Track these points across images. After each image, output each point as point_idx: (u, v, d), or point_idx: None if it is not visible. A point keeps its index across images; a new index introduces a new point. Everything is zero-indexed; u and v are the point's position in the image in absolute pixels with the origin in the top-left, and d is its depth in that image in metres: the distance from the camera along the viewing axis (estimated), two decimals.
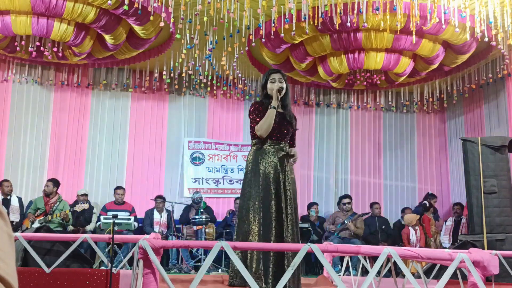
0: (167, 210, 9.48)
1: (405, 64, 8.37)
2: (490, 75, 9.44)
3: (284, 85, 4.16)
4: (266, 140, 4.09)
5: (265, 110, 4.11)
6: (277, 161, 4.05)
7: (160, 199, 9.46)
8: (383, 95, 11.44)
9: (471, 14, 7.05)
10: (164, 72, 9.75)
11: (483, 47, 8.76)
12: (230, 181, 10.88)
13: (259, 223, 3.91)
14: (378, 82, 9.47)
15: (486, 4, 6.98)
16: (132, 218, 8.89)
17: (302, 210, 10.00)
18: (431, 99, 10.96)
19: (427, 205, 10.11)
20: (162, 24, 6.95)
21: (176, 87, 10.39)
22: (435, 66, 8.70)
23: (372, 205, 10.35)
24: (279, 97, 4.11)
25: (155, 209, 9.50)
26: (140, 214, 9.72)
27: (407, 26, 7.16)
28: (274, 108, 4.06)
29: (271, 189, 3.96)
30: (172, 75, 9.62)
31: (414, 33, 7.04)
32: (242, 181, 4.21)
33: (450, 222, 9.75)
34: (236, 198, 10.00)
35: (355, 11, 6.90)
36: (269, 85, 4.16)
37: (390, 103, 11.35)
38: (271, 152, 4.07)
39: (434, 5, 6.63)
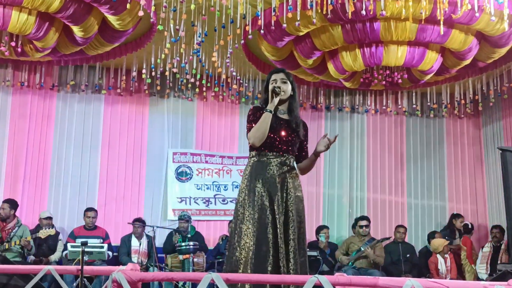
0: (147, 236, 9.45)
1: (432, 60, 8.38)
2: None
3: (288, 87, 4.20)
4: (266, 152, 4.11)
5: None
6: (277, 177, 4.06)
7: (139, 222, 9.42)
8: (406, 96, 11.45)
9: None
10: (144, 71, 9.75)
11: None
12: (223, 200, 10.87)
13: (252, 251, 3.91)
14: (400, 81, 9.48)
15: None
16: (105, 246, 8.85)
17: (309, 235, 9.98)
18: (463, 101, 10.97)
19: (469, 226, 10.12)
20: (141, 13, 6.96)
21: (159, 88, 10.40)
22: (467, 61, 8.71)
23: (396, 228, 10.33)
24: (276, 98, 4.14)
25: (133, 235, 9.47)
26: (115, 241, 9.68)
27: (434, 14, 7.18)
28: (270, 111, 4.08)
29: (267, 210, 3.97)
30: (153, 74, 9.61)
31: (442, 22, 7.06)
32: (236, 200, 4.20)
33: (487, 248, 9.74)
34: (230, 221, 9.96)
35: None
36: (270, 87, 4.22)
37: (414, 106, 11.37)
38: (272, 166, 4.08)
39: None
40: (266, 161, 4.09)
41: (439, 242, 9.56)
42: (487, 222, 11.42)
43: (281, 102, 4.22)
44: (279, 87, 4.15)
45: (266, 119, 4.06)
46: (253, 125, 4.11)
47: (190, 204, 10.68)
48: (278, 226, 3.94)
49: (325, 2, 6.90)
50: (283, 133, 4.14)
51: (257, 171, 4.07)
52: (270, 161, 4.09)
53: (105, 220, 10.04)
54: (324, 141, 4.16)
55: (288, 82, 4.24)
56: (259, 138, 4.05)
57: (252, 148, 4.17)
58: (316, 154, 4.20)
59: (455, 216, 10.84)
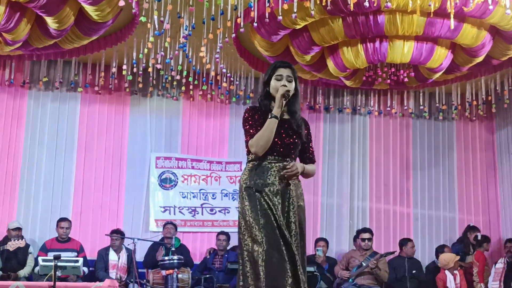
0: (127, 249, 9.41)
1: (441, 57, 8.39)
2: None
3: (292, 86, 4.15)
4: (266, 155, 4.06)
5: (264, 117, 4.08)
6: (279, 185, 4.03)
7: (117, 234, 9.39)
8: (413, 97, 11.47)
9: None
10: (125, 67, 9.72)
11: None
12: (211, 210, 10.85)
13: (263, 259, 3.87)
14: (406, 80, 9.48)
15: None
16: (81, 260, 8.79)
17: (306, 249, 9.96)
18: (475, 102, 10.99)
19: (479, 237, 10.10)
20: (121, 3, 6.93)
21: (141, 85, 10.37)
22: (480, 59, 8.73)
23: (404, 243, 10.29)
24: (284, 103, 4.07)
25: (111, 248, 9.43)
26: (92, 255, 9.64)
27: (444, 6, 7.19)
28: (276, 117, 4.02)
29: (271, 217, 3.94)
30: (135, 70, 9.58)
31: (452, 15, 7.06)
32: (238, 210, 4.17)
33: (500, 264, 9.73)
34: (219, 233, 9.96)
35: None
36: (273, 82, 4.15)
37: (421, 107, 11.39)
38: (272, 171, 4.05)
39: None
40: (266, 166, 4.06)
41: (449, 257, 9.55)
42: (501, 235, 11.43)
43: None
44: (289, 92, 4.07)
45: (271, 126, 4.01)
46: (253, 130, 4.06)
47: (174, 214, 10.66)
48: (287, 235, 3.91)
49: None
50: (284, 135, 4.10)
51: (257, 176, 4.03)
52: (271, 166, 4.06)
53: (80, 232, 10.00)
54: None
55: (294, 79, 4.19)
56: (263, 147, 4.01)
57: (249, 151, 4.13)
58: None
59: (470, 228, 10.76)
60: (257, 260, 3.86)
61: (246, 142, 4.12)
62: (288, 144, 4.11)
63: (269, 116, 4.03)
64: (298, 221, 4.04)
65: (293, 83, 4.17)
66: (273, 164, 4.06)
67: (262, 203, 3.96)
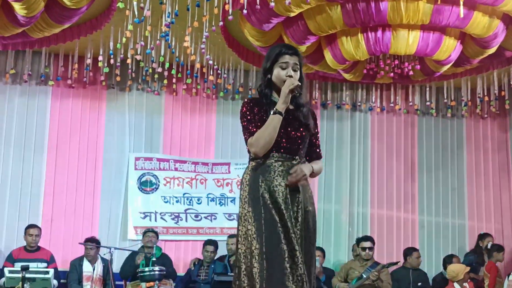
0: (103, 259, 9.40)
1: (450, 48, 8.42)
2: None
3: (298, 75, 4.01)
4: (271, 152, 3.93)
5: (264, 110, 3.98)
6: (286, 186, 3.89)
7: (92, 243, 9.37)
8: (418, 92, 11.50)
9: None
10: (101, 58, 9.69)
11: None
12: (196, 216, 10.85)
13: (262, 277, 3.73)
14: (411, 73, 9.51)
15: None
16: (51, 271, 8.79)
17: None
18: (486, 98, 11.03)
19: (489, 246, 10.13)
20: None
21: (118, 79, 10.36)
22: (492, 50, 8.76)
23: (409, 252, 10.30)
24: (288, 97, 3.92)
25: (85, 258, 9.41)
26: (64, 266, 9.63)
27: None
28: (280, 114, 3.89)
29: (278, 226, 3.78)
30: (112, 61, 9.57)
31: (462, 2, 7.09)
32: (237, 215, 4.07)
33: None
34: (207, 243, 9.93)
35: None
36: (276, 71, 4.01)
37: (428, 103, 11.42)
38: (278, 171, 3.92)
39: None
40: (272, 165, 3.93)
41: (458, 268, 9.56)
42: None
43: (279, 92, 3.99)
44: (300, 87, 3.92)
45: (274, 123, 3.86)
46: (252, 126, 3.93)
47: (155, 220, 10.66)
48: (296, 248, 3.76)
49: None
50: (290, 129, 3.97)
51: (262, 177, 3.89)
52: (277, 164, 3.94)
53: (51, 240, 9.99)
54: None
55: (299, 67, 4.04)
56: (265, 147, 3.88)
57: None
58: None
59: (481, 236, 10.82)
60: (255, 277, 3.76)
61: (245, 140, 3.98)
62: (295, 138, 3.99)
63: (272, 112, 3.89)
64: (305, 229, 3.91)
65: (298, 72, 4.02)
66: (279, 163, 3.93)
67: (267, 210, 3.81)
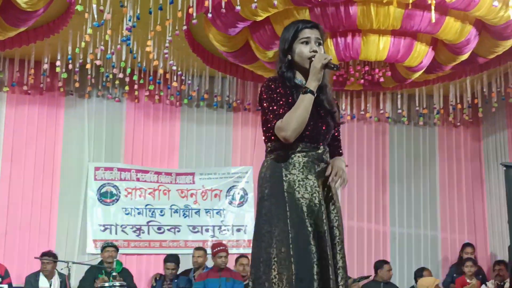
0: (60, 275, 9.31)
1: (421, 54, 8.48)
2: None
3: (322, 50, 3.75)
4: (293, 143, 3.60)
5: (290, 93, 3.67)
6: (315, 179, 3.62)
7: (49, 257, 9.28)
8: (389, 99, 11.58)
9: None
10: (59, 63, 9.62)
11: None
12: (159, 228, 10.81)
13: (291, 284, 3.44)
14: (382, 80, 9.56)
15: None
16: (5, 286, 8.70)
17: None
18: (459, 106, 11.15)
19: (462, 257, 10.18)
20: None
21: (77, 85, 10.30)
22: (464, 56, 8.84)
23: (379, 265, 10.34)
24: (321, 75, 3.62)
25: (41, 273, 9.31)
26: (18, 281, 9.52)
27: None
28: (312, 93, 3.56)
29: (306, 225, 3.50)
30: (70, 67, 9.50)
31: (433, 7, 7.15)
32: (255, 215, 3.74)
33: (491, 286, 9.88)
34: (166, 260, 9.84)
35: None
36: (299, 48, 3.70)
37: (399, 111, 11.51)
38: (303, 163, 3.62)
39: None
40: (296, 156, 3.63)
41: (428, 282, 9.63)
42: (488, 255, 11.59)
43: (304, 72, 3.70)
44: (335, 64, 3.63)
45: (306, 103, 3.53)
46: (282, 109, 3.59)
47: (116, 233, 10.59)
48: (326, 249, 3.52)
49: None
50: (316, 117, 3.66)
51: (284, 170, 3.61)
52: (300, 156, 3.64)
53: (5, 254, 9.88)
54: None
55: (322, 45, 3.76)
56: (297, 131, 3.52)
57: (270, 139, 3.71)
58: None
59: (464, 246, 10.92)
60: (284, 284, 3.44)
61: (268, 124, 3.65)
62: (321, 127, 3.69)
63: (303, 91, 3.57)
64: (341, 228, 3.72)
65: (322, 47, 3.76)
66: (303, 153, 3.63)
67: (293, 208, 3.53)
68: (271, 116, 3.60)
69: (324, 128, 3.71)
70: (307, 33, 3.71)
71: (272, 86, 3.66)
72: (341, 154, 3.92)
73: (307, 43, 3.69)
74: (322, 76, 3.64)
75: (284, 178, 3.58)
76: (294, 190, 3.55)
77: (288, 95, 3.63)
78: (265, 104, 3.64)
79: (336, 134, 3.90)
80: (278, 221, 3.52)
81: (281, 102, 3.60)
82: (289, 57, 3.74)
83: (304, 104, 3.53)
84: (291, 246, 3.46)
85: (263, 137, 3.76)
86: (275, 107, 3.60)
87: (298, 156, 3.62)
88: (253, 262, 3.66)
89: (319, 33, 3.75)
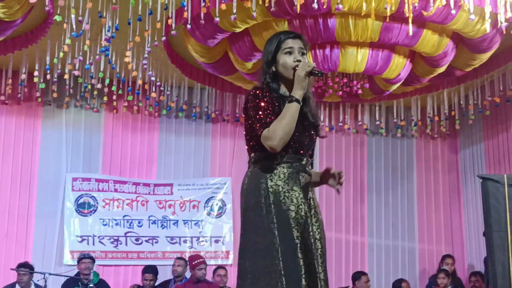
0: (36, 286, 9.24)
1: (399, 66, 8.53)
2: None
3: (306, 60, 3.72)
4: (277, 153, 3.55)
5: (276, 102, 3.62)
6: (300, 191, 3.57)
7: (25, 269, 9.21)
8: (368, 111, 11.62)
9: None
10: (37, 73, 9.57)
11: (511, 42, 9.06)
12: (137, 240, 10.76)
13: None
14: (360, 91, 9.59)
15: None
16: None
17: None
18: (436, 118, 11.21)
19: (440, 266, 10.19)
20: None
21: (55, 95, 10.24)
22: (442, 69, 8.90)
23: (357, 277, 10.34)
24: (306, 83, 3.59)
25: (17, 285, 9.23)
26: None
27: (401, 10, 7.31)
28: (298, 101, 3.53)
29: (294, 238, 3.46)
30: (48, 77, 9.46)
31: (411, 20, 7.19)
32: (241, 226, 3.65)
33: None
34: (145, 271, 9.80)
35: None
36: (282, 58, 3.69)
37: (377, 123, 11.55)
38: (288, 174, 3.58)
39: None
40: (279, 167, 3.59)
41: None
42: (465, 267, 11.64)
43: (289, 83, 3.67)
44: (319, 70, 3.61)
45: (292, 112, 3.50)
46: (269, 117, 3.53)
47: (93, 244, 10.54)
48: (313, 262, 3.49)
49: None
50: (300, 128, 3.61)
51: (269, 181, 3.55)
52: (285, 166, 3.60)
53: None
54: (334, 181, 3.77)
55: (305, 54, 3.75)
56: (283, 139, 3.47)
57: (253, 148, 3.66)
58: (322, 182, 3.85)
59: (444, 257, 10.95)
60: None
61: (253, 132, 3.60)
62: (305, 139, 3.67)
63: (288, 100, 3.54)
64: (323, 240, 3.68)
65: (306, 57, 3.74)
66: (288, 164, 3.59)
67: (280, 220, 3.48)
68: (257, 125, 3.54)
69: (308, 140, 3.69)
70: (290, 43, 3.70)
71: (260, 94, 3.61)
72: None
73: (290, 53, 3.68)
74: (306, 87, 3.63)
75: (269, 189, 3.52)
76: (280, 201, 3.50)
77: (275, 105, 3.59)
78: (251, 113, 3.59)
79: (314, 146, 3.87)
80: (266, 233, 3.46)
81: (268, 111, 3.55)
82: (273, 68, 3.72)
83: (290, 113, 3.49)
84: (280, 259, 3.40)
85: (247, 147, 3.70)
86: (262, 116, 3.54)
87: (283, 167, 3.58)
88: (240, 273, 3.59)
89: (302, 43, 3.74)
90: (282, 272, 3.39)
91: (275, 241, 3.43)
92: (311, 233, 3.54)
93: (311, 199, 3.67)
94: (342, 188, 3.78)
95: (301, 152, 3.65)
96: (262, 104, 3.57)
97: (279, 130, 3.46)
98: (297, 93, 3.54)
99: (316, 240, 3.60)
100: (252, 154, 3.67)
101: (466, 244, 11.83)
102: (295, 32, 3.89)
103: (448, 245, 11.88)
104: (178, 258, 9.96)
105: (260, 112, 3.55)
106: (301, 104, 3.55)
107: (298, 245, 3.46)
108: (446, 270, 10.38)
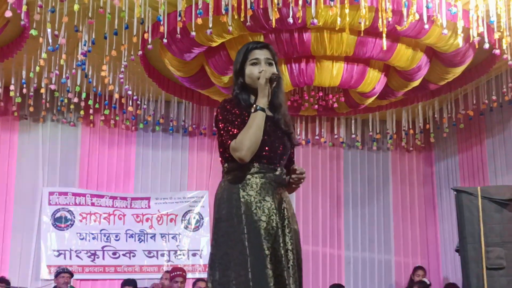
0: None
1: (374, 80, 8.58)
2: (494, 97, 9.84)
3: (274, 70, 3.69)
4: (251, 163, 3.55)
5: (246, 113, 3.58)
6: (272, 201, 3.53)
7: (1, 283, 9.14)
8: (343, 124, 11.66)
9: (465, 9, 7.36)
10: (12, 87, 9.54)
11: (483, 56, 9.14)
12: (114, 254, 10.70)
13: None
14: (336, 105, 9.64)
15: None
16: None
17: None
18: (411, 131, 11.28)
19: (428, 283, 10.21)
20: (8, 13, 6.81)
21: (31, 109, 10.19)
22: (416, 83, 8.96)
23: None
24: (270, 90, 3.61)
25: None
26: None
27: (375, 25, 7.37)
28: (262, 109, 3.54)
29: (264, 249, 3.41)
30: (25, 91, 9.42)
31: (385, 35, 7.24)
32: (211, 237, 3.63)
33: None
34: (125, 284, 9.75)
35: (300, 1, 7.04)
36: (249, 69, 3.68)
37: (353, 136, 11.60)
38: (261, 184, 3.54)
39: None
40: (253, 177, 3.56)
41: None
42: (441, 279, 11.69)
43: (257, 94, 3.64)
44: (277, 75, 3.62)
45: (258, 121, 3.50)
46: (234, 128, 3.54)
47: (70, 258, 10.47)
48: (284, 273, 3.43)
49: (243, 7, 6.97)
50: (272, 137, 3.61)
51: (242, 191, 3.51)
52: (257, 177, 3.56)
53: None
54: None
55: (274, 63, 3.72)
56: (251, 149, 3.47)
57: (227, 159, 3.63)
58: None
59: (415, 269, 10.97)
60: None
61: (224, 144, 3.59)
62: (278, 147, 3.63)
63: (253, 109, 3.53)
64: (296, 251, 3.61)
65: (274, 66, 3.70)
66: (260, 174, 3.56)
67: (251, 230, 3.43)
68: (226, 136, 3.54)
69: (281, 148, 3.65)
70: (256, 54, 3.69)
71: (228, 107, 3.60)
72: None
73: (256, 63, 3.67)
74: (275, 95, 3.64)
75: (241, 199, 3.48)
76: (251, 212, 3.46)
77: (244, 115, 3.56)
78: (220, 125, 3.58)
79: (291, 155, 3.83)
80: (236, 244, 3.42)
81: (236, 123, 3.54)
82: (241, 79, 3.71)
83: (255, 122, 3.49)
84: (249, 270, 3.36)
85: (220, 158, 3.68)
86: (229, 127, 3.54)
87: (256, 177, 3.54)
88: (210, 284, 3.54)
89: (270, 53, 3.72)
90: (251, 283, 3.34)
91: (245, 252, 3.38)
92: (282, 244, 3.49)
93: (285, 209, 3.60)
94: (298, 185, 3.76)
95: (275, 161, 3.62)
96: (230, 116, 3.57)
97: (245, 140, 3.46)
98: (261, 102, 3.55)
99: (288, 251, 3.54)
100: (226, 165, 3.63)
101: (441, 256, 11.88)
102: (262, 42, 3.91)
103: (423, 258, 11.92)
104: (166, 271, 9.92)
105: (228, 124, 3.55)
106: (265, 112, 3.54)
107: (268, 257, 3.41)
108: (424, 281, 10.42)
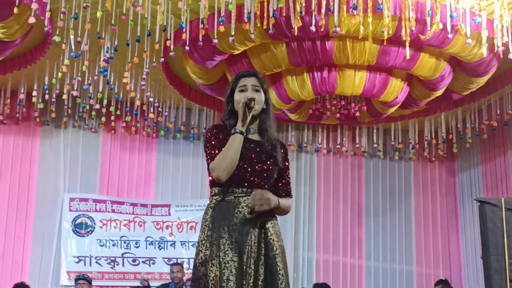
0: None
1: (396, 89, 8.55)
2: None
3: (261, 97, 3.87)
4: (233, 188, 3.73)
5: (228, 137, 3.75)
6: (250, 223, 3.68)
7: None
8: (365, 133, 11.62)
9: (489, 19, 7.32)
10: (35, 93, 9.59)
11: (508, 66, 9.09)
12: (134, 260, 10.72)
13: None
14: (358, 114, 9.61)
15: (511, 5, 7.25)
16: None
17: None
18: (434, 141, 11.22)
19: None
20: (32, 20, 6.85)
21: (53, 115, 10.25)
22: (439, 93, 8.92)
23: None
24: (249, 114, 3.76)
25: None
26: None
27: (398, 34, 7.34)
28: (240, 133, 3.72)
29: (235, 271, 3.58)
30: (47, 97, 9.48)
31: (408, 44, 7.22)
32: (194, 258, 3.82)
33: None
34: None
35: (323, 10, 7.03)
36: (237, 96, 3.85)
37: (375, 145, 11.56)
38: (241, 207, 3.70)
39: (436, 5, 6.84)
40: (233, 201, 3.71)
41: None
42: None
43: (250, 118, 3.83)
44: (253, 99, 3.77)
45: (235, 143, 3.68)
46: (215, 151, 3.73)
47: (90, 265, 10.49)
48: None
49: (265, 15, 6.96)
50: (255, 161, 3.76)
51: (222, 215, 3.68)
52: (239, 200, 3.71)
53: None
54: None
55: (262, 90, 3.89)
56: (227, 170, 3.65)
57: (214, 183, 3.79)
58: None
59: (437, 283, 10.84)
60: None
61: (208, 166, 3.77)
62: (260, 171, 3.77)
63: (232, 132, 3.71)
64: (283, 264, 3.72)
65: (262, 93, 3.88)
66: (241, 199, 3.72)
67: (227, 254, 3.61)
68: (207, 158, 3.77)
69: (265, 174, 3.80)
70: (243, 81, 3.87)
71: (214, 131, 3.83)
72: (288, 194, 3.95)
73: (243, 91, 3.84)
74: (262, 121, 3.88)
75: (221, 222, 3.68)
76: (229, 234, 3.65)
77: (226, 140, 3.75)
78: (206, 150, 3.80)
79: (283, 175, 3.94)
80: (212, 265, 3.62)
81: (217, 146, 3.76)
82: (230, 105, 3.89)
83: (233, 145, 3.68)
84: None
85: (209, 181, 3.87)
86: (211, 151, 3.76)
87: (236, 202, 3.72)
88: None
89: (258, 81, 3.89)
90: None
91: (219, 273, 3.59)
92: (261, 261, 3.67)
93: (267, 229, 3.75)
94: (254, 208, 3.71)
95: (257, 186, 3.76)
96: (213, 140, 3.80)
97: (222, 162, 3.66)
98: (239, 125, 3.72)
99: (274, 265, 3.69)
100: (212, 189, 3.84)
101: (463, 268, 11.79)
102: (251, 71, 4.06)
103: (445, 268, 11.84)
104: (173, 264, 9.90)
105: (210, 147, 3.78)
106: (243, 135, 3.72)
107: (242, 282, 3.59)
108: None
